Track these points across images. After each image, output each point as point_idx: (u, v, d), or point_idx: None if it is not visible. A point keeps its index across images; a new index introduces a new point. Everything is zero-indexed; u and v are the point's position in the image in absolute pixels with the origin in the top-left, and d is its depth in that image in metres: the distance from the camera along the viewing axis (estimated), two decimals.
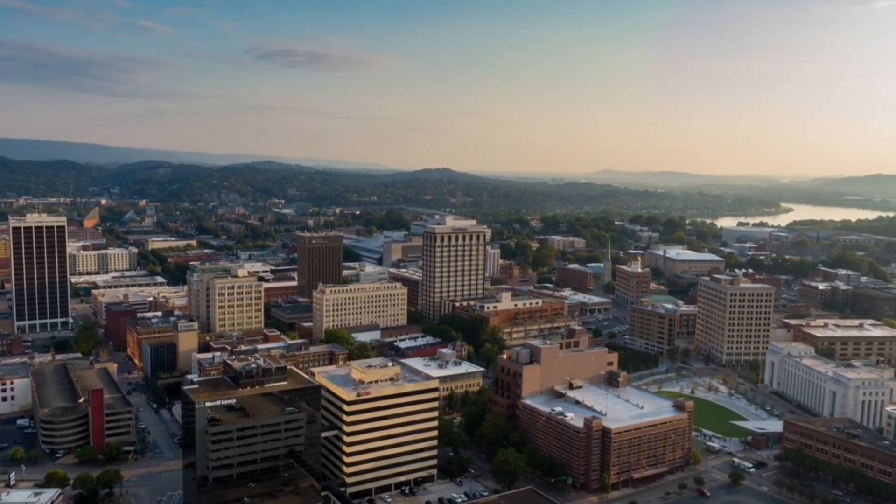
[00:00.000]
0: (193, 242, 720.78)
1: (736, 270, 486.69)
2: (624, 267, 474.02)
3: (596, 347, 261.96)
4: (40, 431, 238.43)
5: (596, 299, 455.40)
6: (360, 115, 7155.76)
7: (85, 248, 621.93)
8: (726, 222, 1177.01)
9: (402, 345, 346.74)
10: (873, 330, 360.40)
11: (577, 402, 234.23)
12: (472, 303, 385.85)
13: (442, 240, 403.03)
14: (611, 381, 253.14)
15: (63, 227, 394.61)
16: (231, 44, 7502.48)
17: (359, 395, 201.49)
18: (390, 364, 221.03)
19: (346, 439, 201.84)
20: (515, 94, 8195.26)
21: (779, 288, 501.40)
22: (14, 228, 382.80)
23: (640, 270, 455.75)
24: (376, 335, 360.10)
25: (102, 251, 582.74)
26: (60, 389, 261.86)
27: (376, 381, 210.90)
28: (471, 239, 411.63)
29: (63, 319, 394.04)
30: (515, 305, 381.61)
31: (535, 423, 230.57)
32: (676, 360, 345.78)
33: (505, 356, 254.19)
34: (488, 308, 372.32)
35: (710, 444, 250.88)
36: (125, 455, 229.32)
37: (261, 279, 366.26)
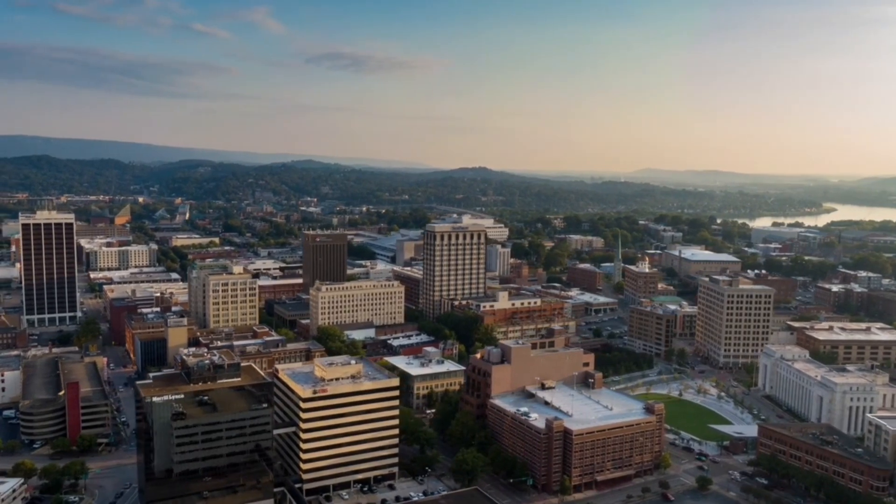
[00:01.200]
0: (216, 240, 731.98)
1: (748, 271, 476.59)
2: (632, 267, 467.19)
3: (572, 348, 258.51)
4: (20, 422, 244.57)
5: (602, 299, 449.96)
6: (402, 115, 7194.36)
7: (110, 244, 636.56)
8: (763, 222, 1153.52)
9: (396, 343, 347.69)
10: (880, 334, 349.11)
11: (546, 403, 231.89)
12: (468, 302, 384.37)
13: (441, 238, 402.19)
14: (586, 382, 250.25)
15: (71, 224, 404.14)
16: (280, 47, 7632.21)
17: (315, 392, 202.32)
18: (353, 362, 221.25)
19: (303, 436, 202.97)
20: (558, 93, 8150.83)
21: (794, 290, 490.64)
22: (24, 225, 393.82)
23: (647, 270, 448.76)
24: (371, 333, 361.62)
25: (123, 248, 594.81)
26: (46, 382, 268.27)
27: (337, 379, 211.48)
28: (471, 238, 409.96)
29: (71, 314, 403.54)
30: (512, 305, 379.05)
31: (502, 424, 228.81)
32: (672, 362, 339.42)
33: (478, 356, 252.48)
34: (484, 307, 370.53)
35: (687, 447, 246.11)
36: (98, 447, 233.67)
37: (255, 276, 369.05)
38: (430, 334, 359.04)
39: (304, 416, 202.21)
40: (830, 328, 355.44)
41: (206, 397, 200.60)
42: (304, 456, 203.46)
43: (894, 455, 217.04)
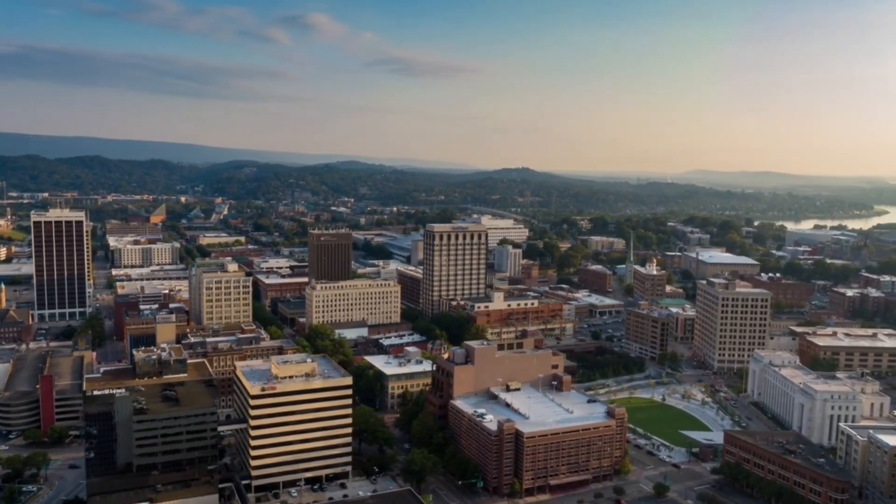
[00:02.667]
0: (242, 239, 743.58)
1: (761, 274, 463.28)
2: (640, 269, 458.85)
3: (541, 349, 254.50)
4: None
5: (608, 301, 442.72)
6: (449, 117, 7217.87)
7: (137, 241, 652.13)
8: (805, 225, 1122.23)
9: (387, 342, 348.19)
10: (886, 340, 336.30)
11: (507, 405, 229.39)
12: (464, 302, 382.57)
13: (441, 238, 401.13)
14: (554, 385, 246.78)
15: (81, 221, 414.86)
16: (335, 53, 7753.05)
17: (263, 389, 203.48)
18: (309, 360, 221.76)
19: (252, 432, 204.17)
20: (608, 94, 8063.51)
21: (812, 293, 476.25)
22: (35, 223, 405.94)
23: (654, 273, 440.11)
24: (363, 332, 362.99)
25: (146, 246, 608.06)
26: (31, 375, 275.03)
27: (290, 377, 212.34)
28: (471, 238, 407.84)
29: (81, 309, 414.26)
30: (508, 306, 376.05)
31: (461, 425, 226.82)
32: (665, 366, 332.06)
33: (445, 356, 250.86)
34: (478, 308, 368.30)
35: (656, 452, 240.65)
36: (66, 439, 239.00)
37: (249, 275, 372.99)
38: (423, 334, 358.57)
39: (252, 412, 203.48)
40: (834, 334, 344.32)
41: (172, 392, 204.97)
42: (252, 452, 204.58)
43: (863, 466, 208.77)
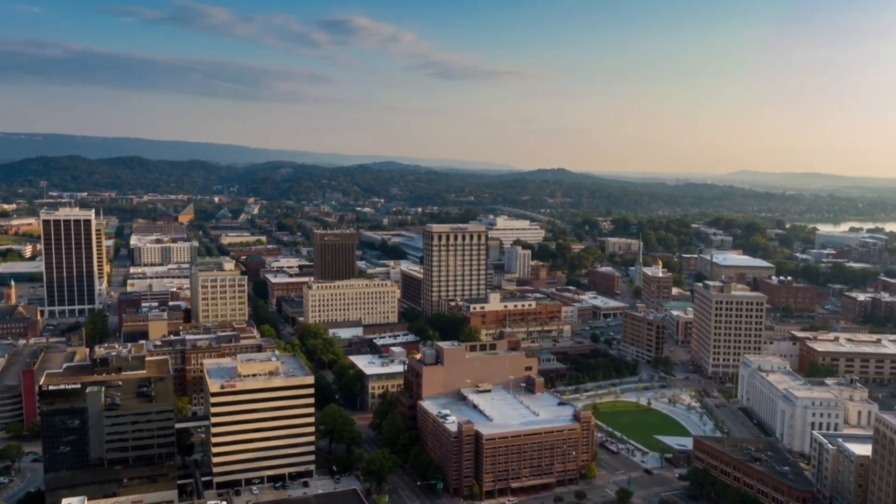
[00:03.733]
0: (263, 238, 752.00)
1: (771, 277, 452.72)
2: (647, 270, 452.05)
3: (515, 351, 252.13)
4: None
5: (613, 303, 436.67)
6: (489, 118, 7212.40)
7: (159, 241, 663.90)
8: (843, 227, 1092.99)
9: (380, 342, 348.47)
10: (890, 347, 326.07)
11: (475, 406, 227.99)
12: (461, 303, 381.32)
13: (440, 239, 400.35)
14: (527, 387, 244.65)
15: (90, 220, 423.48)
16: (379, 56, 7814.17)
17: (223, 386, 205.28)
18: (273, 359, 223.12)
19: (213, 430, 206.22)
20: (649, 95, 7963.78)
21: (826, 297, 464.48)
22: (45, 221, 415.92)
23: (661, 275, 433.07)
24: (358, 332, 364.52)
25: (165, 245, 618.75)
26: (22, 370, 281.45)
27: (253, 375, 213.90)
28: (471, 239, 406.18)
29: (90, 306, 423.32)
30: (505, 307, 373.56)
31: (426, 426, 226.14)
32: (659, 370, 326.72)
33: (418, 356, 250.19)
34: (474, 308, 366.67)
35: (630, 457, 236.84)
36: None
37: (244, 273, 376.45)
38: (417, 335, 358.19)
39: (212, 409, 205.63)
40: (836, 339, 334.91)
41: (146, 388, 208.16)
42: (213, 449, 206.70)
43: (833, 475, 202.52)
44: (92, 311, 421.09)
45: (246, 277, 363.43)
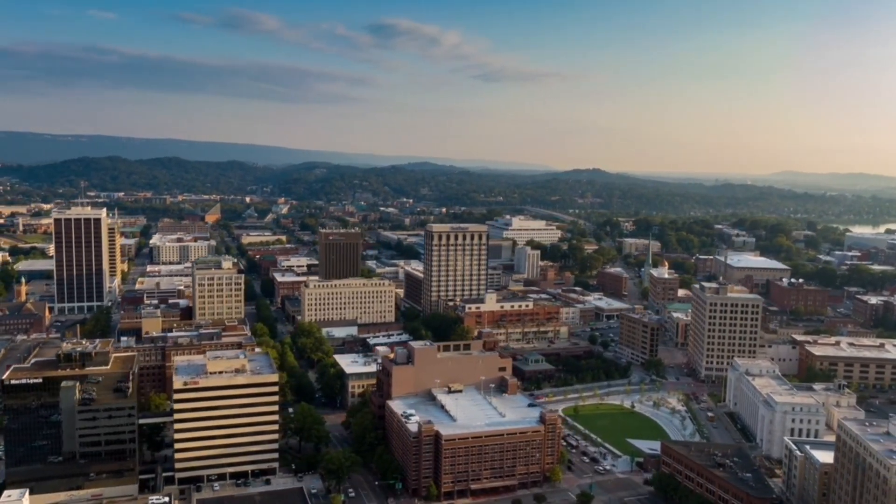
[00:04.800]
0: (283, 238, 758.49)
1: (782, 279, 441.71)
2: (653, 272, 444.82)
3: (488, 352, 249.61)
4: None
5: (616, 305, 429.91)
6: (527, 119, 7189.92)
7: (180, 240, 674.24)
8: (880, 229, 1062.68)
9: (373, 341, 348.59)
10: (893, 351, 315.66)
11: (442, 406, 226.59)
12: (457, 302, 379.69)
13: (440, 239, 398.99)
14: (500, 388, 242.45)
15: (99, 219, 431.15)
16: (421, 59, 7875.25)
17: (185, 383, 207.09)
18: (241, 356, 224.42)
19: (175, 426, 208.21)
20: (690, 96, 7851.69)
21: (841, 300, 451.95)
22: (56, 220, 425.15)
23: (666, 276, 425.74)
24: (353, 331, 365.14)
25: (183, 244, 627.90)
26: (13, 364, 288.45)
27: (220, 372, 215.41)
28: (471, 239, 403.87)
29: (99, 303, 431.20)
30: (501, 307, 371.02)
31: (392, 425, 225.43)
32: (651, 372, 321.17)
33: (391, 356, 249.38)
34: (469, 309, 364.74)
35: (602, 460, 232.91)
36: None
37: (241, 272, 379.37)
38: (411, 334, 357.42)
39: (175, 406, 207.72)
40: (837, 343, 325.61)
41: (125, 384, 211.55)
42: (176, 445, 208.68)
43: (801, 482, 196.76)
44: (101, 307, 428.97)
45: (243, 276, 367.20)
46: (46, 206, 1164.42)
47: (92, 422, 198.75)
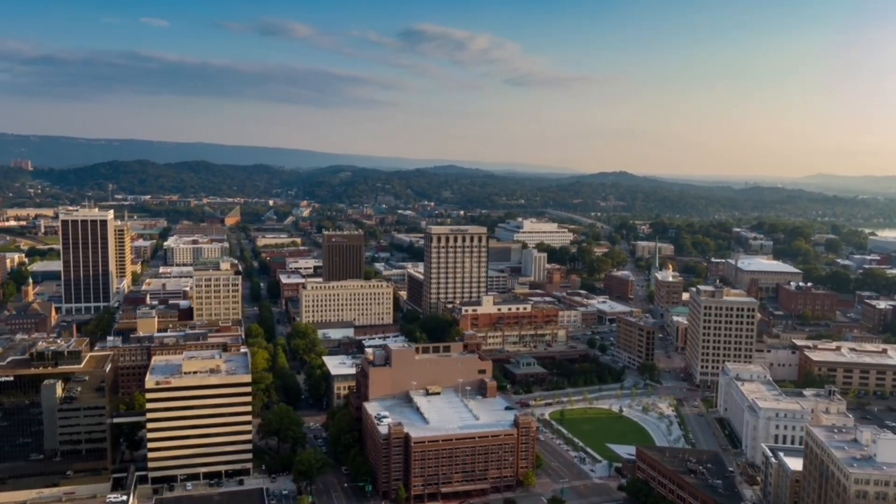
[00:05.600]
0: (298, 240, 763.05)
1: (790, 283, 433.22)
2: (658, 275, 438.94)
3: (468, 354, 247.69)
4: None
5: (619, 308, 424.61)
6: (556, 122, 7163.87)
7: (195, 242, 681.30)
8: None
9: (368, 343, 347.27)
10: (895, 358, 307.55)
11: (418, 409, 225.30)
12: (454, 305, 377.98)
13: (439, 241, 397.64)
14: (480, 390, 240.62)
15: (106, 221, 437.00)
16: (450, 63, 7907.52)
17: (157, 383, 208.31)
18: (217, 356, 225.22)
19: (148, 425, 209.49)
20: (721, 98, 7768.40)
21: (852, 305, 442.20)
22: (63, 222, 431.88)
23: (670, 279, 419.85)
24: (349, 332, 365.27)
25: (196, 245, 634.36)
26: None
27: (195, 372, 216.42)
28: (470, 241, 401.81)
29: (105, 303, 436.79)
30: (498, 310, 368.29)
31: (366, 427, 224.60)
32: (645, 377, 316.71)
33: (369, 357, 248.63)
34: (466, 311, 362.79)
35: (581, 465, 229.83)
36: None
37: (238, 273, 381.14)
38: (407, 336, 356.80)
39: (147, 405, 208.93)
40: (837, 348, 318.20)
41: (103, 383, 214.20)
42: (149, 444, 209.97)
43: (775, 489, 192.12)
44: (107, 308, 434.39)
45: (240, 277, 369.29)
46: (72, 209, 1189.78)
47: (67, 420, 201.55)
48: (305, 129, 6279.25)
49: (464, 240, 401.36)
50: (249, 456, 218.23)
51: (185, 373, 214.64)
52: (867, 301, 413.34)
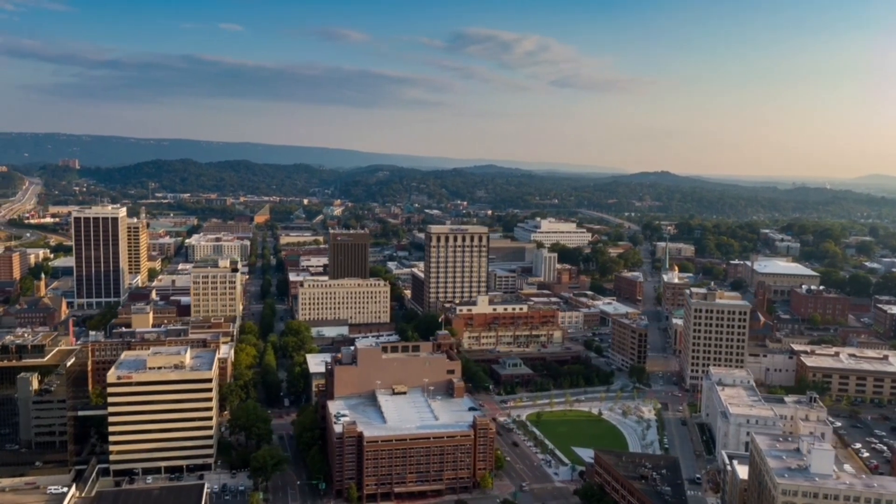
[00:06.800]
0: (321, 238, 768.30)
1: (803, 287, 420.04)
2: (664, 277, 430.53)
3: (436, 354, 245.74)
4: None
5: (624, 309, 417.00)
6: (601, 121, 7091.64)
7: (218, 239, 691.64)
8: None
9: (361, 342, 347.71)
10: None
11: (379, 408, 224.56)
12: (450, 304, 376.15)
13: (438, 240, 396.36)
14: (447, 390, 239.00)
15: (117, 218, 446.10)
16: (498, 64, 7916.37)
17: (119, 378, 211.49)
18: (182, 352, 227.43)
19: (109, 419, 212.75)
20: (772, 98, 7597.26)
21: (868, 309, 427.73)
22: (75, 219, 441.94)
23: (676, 281, 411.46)
24: (344, 330, 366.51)
25: (216, 243, 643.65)
26: None
27: (159, 368, 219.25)
28: (471, 240, 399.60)
29: (116, 299, 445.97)
30: (494, 310, 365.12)
31: (327, 425, 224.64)
32: (633, 380, 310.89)
33: (340, 355, 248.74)
34: (460, 311, 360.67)
35: (546, 469, 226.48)
36: None
37: (235, 271, 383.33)
38: (401, 335, 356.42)
39: (109, 399, 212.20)
40: (836, 354, 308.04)
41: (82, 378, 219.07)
42: (110, 438, 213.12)
43: (730, 497, 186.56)
44: (118, 303, 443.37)
45: (237, 275, 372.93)
46: (110, 207, 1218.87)
47: (39, 412, 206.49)
48: (351, 129, 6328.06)
49: (464, 239, 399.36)
50: (211, 451, 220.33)
51: (150, 368, 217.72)
52: (879, 306, 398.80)
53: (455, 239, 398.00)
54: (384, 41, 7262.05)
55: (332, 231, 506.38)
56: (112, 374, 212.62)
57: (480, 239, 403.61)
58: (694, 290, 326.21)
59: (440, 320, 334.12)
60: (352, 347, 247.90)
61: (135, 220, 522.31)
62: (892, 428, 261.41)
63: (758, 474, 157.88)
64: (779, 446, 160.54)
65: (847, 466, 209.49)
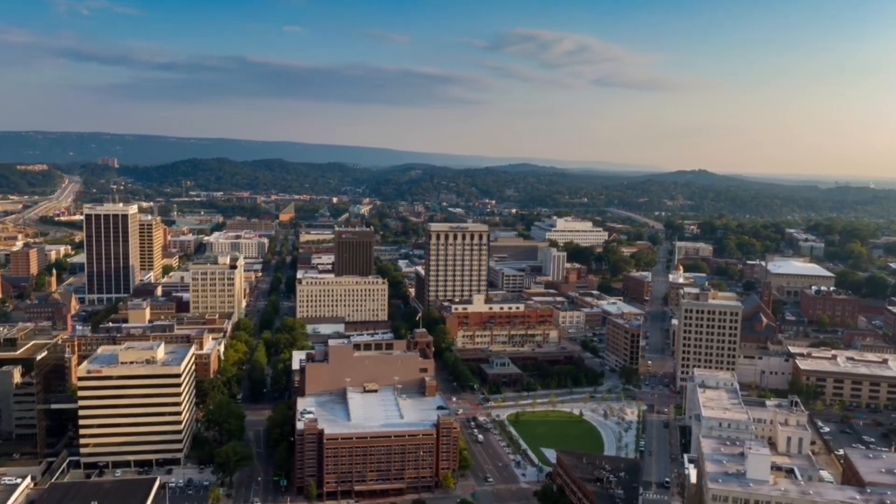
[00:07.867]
0: None
1: (813, 288, 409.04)
2: (670, 277, 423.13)
3: (409, 352, 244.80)
4: None
5: (627, 309, 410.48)
6: (641, 120, 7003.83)
7: (238, 236, 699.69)
8: None
9: (356, 339, 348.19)
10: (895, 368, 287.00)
11: (346, 405, 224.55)
12: (446, 303, 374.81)
13: (438, 238, 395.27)
14: (419, 389, 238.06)
15: (127, 215, 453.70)
16: (536, 64, 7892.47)
17: (88, 371, 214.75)
18: (156, 347, 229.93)
19: (80, 412, 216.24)
20: (814, 95, 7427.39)
21: (881, 311, 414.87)
22: (87, 216, 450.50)
23: (681, 281, 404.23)
24: (340, 328, 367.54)
25: (234, 240, 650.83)
26: None
27: (131, 362, 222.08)
28: (471, 239, 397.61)
29: (126, 295, 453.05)
30: (490, 309, 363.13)
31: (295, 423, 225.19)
32: (623, 381, 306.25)
33: (313, 353, 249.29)
34: (455, 310, 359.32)
35: (514, 469, 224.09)
36: None
37: (233, 268, 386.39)
38: (395, 333, 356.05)
39: (79, 393, 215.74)
40: (833, 357, 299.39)
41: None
42: (80, 431, 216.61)
43: (688, 500, 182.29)
44: (122, 299, 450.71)
45: (235, 271, 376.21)
46: (146, 205, 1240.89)
47: (19, 405, 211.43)
48: (388, 128, 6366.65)
49: (464, 237, 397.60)
50: (181, 445, 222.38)
51: (121, 363, 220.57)
52: (889, 308, 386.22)
53: (455, 237, 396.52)
54: (426, 42, 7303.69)
55: (337, 229, 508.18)
56: (83, 368, 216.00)
57: (481, 237, 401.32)
58: (687, 290, 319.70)
59: (417, 319, 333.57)
60: (325, 345, 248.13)
61: (148, 217, 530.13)
62: (884, 434, 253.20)
63: (701, 478, 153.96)
64: (723, 450, 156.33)
65: (824, 473, 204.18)
